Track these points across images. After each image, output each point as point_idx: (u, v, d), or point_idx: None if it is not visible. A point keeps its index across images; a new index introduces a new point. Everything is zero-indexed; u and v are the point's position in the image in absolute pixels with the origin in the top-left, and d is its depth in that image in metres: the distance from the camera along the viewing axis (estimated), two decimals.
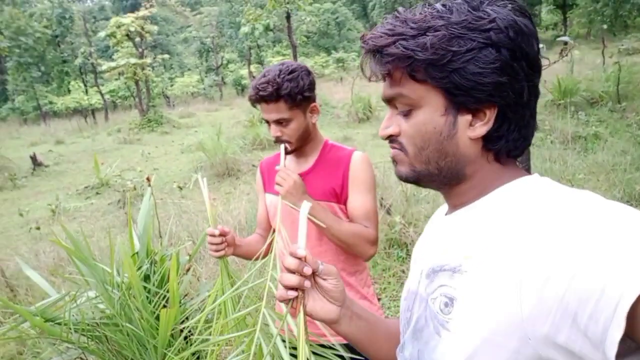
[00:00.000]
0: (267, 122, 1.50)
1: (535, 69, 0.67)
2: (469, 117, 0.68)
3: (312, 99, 1.52)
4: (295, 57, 15.57)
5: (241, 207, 5.42)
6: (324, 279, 0.80)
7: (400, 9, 0.70)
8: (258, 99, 1.45)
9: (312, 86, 1.50)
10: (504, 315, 0.58)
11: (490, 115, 0.67)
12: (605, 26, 14.89)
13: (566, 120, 7.33)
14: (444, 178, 0.72)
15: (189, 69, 38.60)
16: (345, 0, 47.33)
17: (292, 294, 0.77)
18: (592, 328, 0.49)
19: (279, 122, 1.47)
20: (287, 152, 1.53)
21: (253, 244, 1.68)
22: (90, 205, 7.74)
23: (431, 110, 0.68)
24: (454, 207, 0.76)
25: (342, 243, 1.46)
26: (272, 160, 1.70)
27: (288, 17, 15.02)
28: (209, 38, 32.99)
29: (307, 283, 0.77)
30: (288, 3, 14.67)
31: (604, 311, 0.48)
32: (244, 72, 29.15)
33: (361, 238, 1.45)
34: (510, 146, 0.69)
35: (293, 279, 0.77)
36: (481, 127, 0.68)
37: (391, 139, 0.74)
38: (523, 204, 0.64)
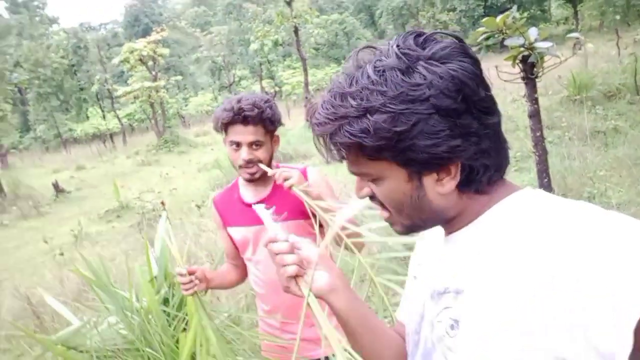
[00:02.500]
0: (237, 145, 1.52)
1: (487, 110, 0.64)
2: (434, 175, 0.66)
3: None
4: (305, 69, 15.68)
5: None
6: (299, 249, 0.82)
7: (336, 76, 0.68)
8: (239, 119, 1.48)
9: (281, 117, 1.59)
10: (510, 336, 0.57)
11: (455, 169, 0.65)
12: (618, 17, 14.63)
13: (583, 116, 7.18)
14: (433, 224, 0.73)
15: (202, 88, 39.22)
16: (352, 10, 47.65)
17: (293, 269, 0.78)
18: (601, 344, 0.49)
19: (252, 145, 1.51)
20: (253, 179, 1.56)
21: (226, 274, 1.75)
22: (112, 229, 7.86)
23: (394, 180, 0.67)
24: (447, 231, 0.74)
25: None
26: (225, 196, 1.73)
27: (296, 31, 15.17)
28: (220, 57, 33.52)
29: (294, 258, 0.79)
30: (295, 17, 14.83)
31: (613, 327, 0.48)
32: (256, 87, 29.47)
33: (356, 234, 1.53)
34: (486, 180, 0.67)
35: (290, 257, 0.79)
36: (450, 182, 0.65)
37: (371, 198, 0.73)
38: (520, 220, 0.63)
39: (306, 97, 15.75)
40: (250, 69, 36.94)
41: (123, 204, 8.99)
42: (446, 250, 0.75)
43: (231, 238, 1.70)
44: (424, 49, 0.63)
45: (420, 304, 0.79)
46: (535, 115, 3.73)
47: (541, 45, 3.14)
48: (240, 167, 1.53)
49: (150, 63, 18.54)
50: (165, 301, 2.44)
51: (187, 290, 1.46)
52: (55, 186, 11.77)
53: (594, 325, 0.50)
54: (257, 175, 1.54)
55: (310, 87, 16.61)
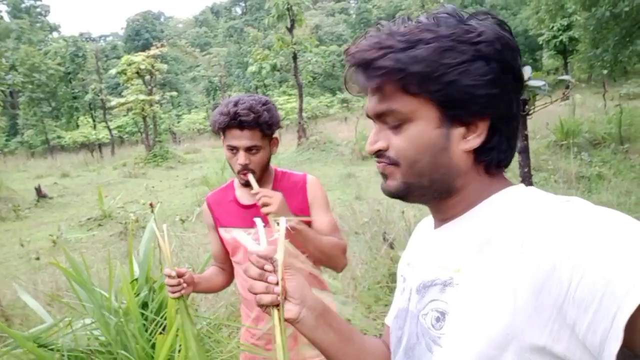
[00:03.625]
0: (233, 150, 1.51)
1: (520, 82, 0.68)
2: (462, 129, 0.66)
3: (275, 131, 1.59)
4: (301, 96, 15.87)
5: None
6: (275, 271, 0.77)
7: (384, 22, 0.69)
8: (235, 124, 1.47)
9: (279, 119, 1.57)
10: (499, 327, 0.57)
11: (483, 127, 0.66)
12: (605, 71, 15.16)
13: (569, 161, 7.35)
14: (434, 191, 0.70)
15: (196, 107, 39.32)
16: (350, 43, 48.62)
17: (267, 298, 0.74)
18: (590, 338, 0.49)
19: (249, 150, 1.50)
20: (247, 185, 1.54)
21: (212, 277, 1.72)
22: (92, 237, 7.71)
23: (424, 123, 0.66)
24: (441, 220, 0.74)
25: (324, 255, 1.48)
26: (219, 195, 1.71)
27: (295, 58, 15.42)
28: (217, 77, 33.81)
29: (271, 278, 0.75)
30: (295, 44, 15.10)
31: (602, 322, 0.47)
32: None
33: (340, 248, 1.54)
34: (500, 157, 0.69)
35: (259, 286, 0.75)
36: (474, 140, 0.66)
37: (379, 153, 0.71)
38: (512, 214, 0.63)
39: (299, 123, 15.89)
40: (245, 91, 37.14)
41: (106, 213, 8.84)
42: (437, 240, 0.74)
43: (222, 240, 1.67)
44: (475, 14, 0.68)
45: (405, 299, 0.78)
46: (524, 151, 3.80)
47: (534, 83, 3.23)
48: (238, 172, 1.52)
49: (147, 77, 18.60)
50: (144, 305, 2.39)
51: (173, 292, 1.42)
52: (38, 191, 11.56)
53: (583, 321, 0.49)
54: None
55: (304, 114, 16.78)
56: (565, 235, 0.53)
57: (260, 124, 1.48)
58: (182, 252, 5.29)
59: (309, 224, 1.58)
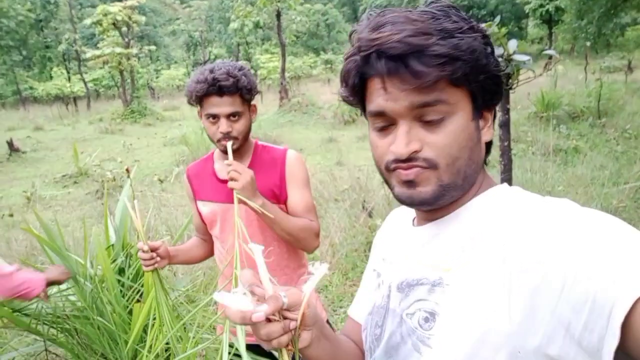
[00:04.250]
0: (214, 118, 1.46)
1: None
2: (482, 121, 0.68)
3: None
4: (284, 55, 15.52)
5: None
6: (292, 311, 0.62)
7: (389, 9, 0.64)
8: (214, 90, 1.42)
9: (257, 85, 1.52)
10: (491, 328, 0.56)
11: (491, 118, 0.68)
12: (588, 43, 15.19)
13: (548, 133, 7.44)
14: (462, 189, 0.66)
15: (176, 62, 38.19)
16: (336, 2, 47.44)
17: (284, 339, 0.61)
18: (587, 338, 0.48)
19: (230, 117, 1.46)
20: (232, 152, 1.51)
21: (193, 249, 1.71)
22: (67, 195, 7.57)
23: (464, 115, 0.63)
24: (428, 218, 0.72)
25: (291, 237, 1.47)
26: (198, 167, 1.67)
27: (278, 16, 14.98)
28: (198, 32, 32.72)
29: (292, 324, 0.61)
30: (279, 1, 14.63)
31: (598, 320, 0.47)
32: None
33: (309, 231, 1.51)
34: (490, 149, 0.71)
35: (277, 328, 0.60)
36: (489, 130, 0.68)
37: (411, 156, 0.63)
38: (503, 213, 0.63)
39: (281, 83, 15.61)
40: (227, 49, 36.20)
41: (82, 170, 8.65)
42: (421, 237, 0.72)
43: (200, 212, 1.66)
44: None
45: (382, 296, 0.76)
46: (505, 125, 3.82)
47: (519, 57, 3.21)
48: (219, 140, 1.48)
49: (124, 29, 17.85)
50: (121, 271, 2.37)
51: (147, 266, 1.41)
52: (10, 144, 11.20)
53: (578, 320, 0.49)
54: (234, 147, 1.49)
55: (286, 74, 16.47)
56: (558, 237, 0.54)
57: (240, 89, 1.44)
58: (160, 213, 5.25)
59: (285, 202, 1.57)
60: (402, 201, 0.67)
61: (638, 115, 8.94)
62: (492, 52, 0.65)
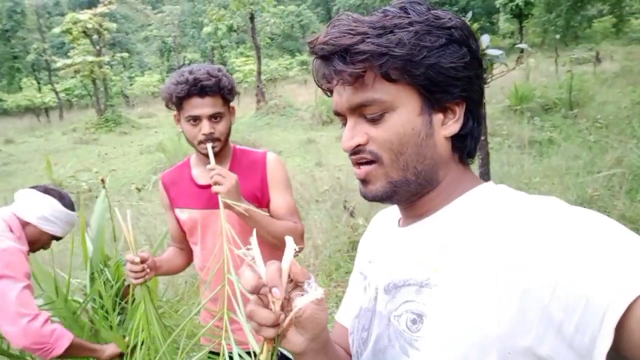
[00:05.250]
0: (195, 120, 1.43)
1: (482, 68, 0.68)
2: (440, 115, 0.66)
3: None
4: (259, 58, 15.46)
5: None
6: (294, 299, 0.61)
7: (347, 13, 0.66)
8: (195, 91, 1.39)
9: (236, 85, 1.51)
10: (481, 329, 0.56)
11: (460, 111, 0.66)
12: (557, 36, 15.55)
13: (523, 126, 7.57)
14: (419, 185, 0.67)
15: (150, 69, 37.67)
16: (310, 3, 47.50)
17: (270, 332, 0.59)
18: (578, 339, 0.48)
19: (212, 118, 1.43)
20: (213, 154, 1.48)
21: (172, 259, 1.67)
22: None
23: (407, 110, 0.64)
24: (412, 218, 0.71)
25: (276, 240, 1.45)
26: (174, 174, 1.64)
27: (252, 18, 14.91)
28: (171, 37, 32.33)
29: (283, 318, 0.59)
30: (252, 4, 14.56)
31: (591, 322, 0.47)
32: None
33: (294, 233, 1.49)
34: (472, 145, 0.69)
35: (269, 317, 0.58)
36: (454, 124, 0.66)
37: (357, 149, 0.66)
38: (491, 212, 0.62)
39: (258, 86, 15.53)
40: (201, 53, 35.86)
41: (56, 182, 8.44)
42: (405, 240, 0.71)
43: (178, 220, 1.61)
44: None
45: (369, 299, 0.75)
46: (481, 119, 3.87)
47: (492, 52, 3.25)
48: (200, 142, 1.44)
49: (94, 36, 17.53)
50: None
51: (137, 279, 1.37)
52: None
53: (570, 321, 0.48)
54: (215, 149, 1.46)
55: (262, 77, 16.39)
56: (549, 238, 0.53)
57: (222, 89, 1.42)
58: (139, 222, 5.16)
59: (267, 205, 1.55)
60: (364, 197, 0.70)
61: (608, 105, 9.18)
62: (448, 44, 0.63)
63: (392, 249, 0.74)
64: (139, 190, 7.04)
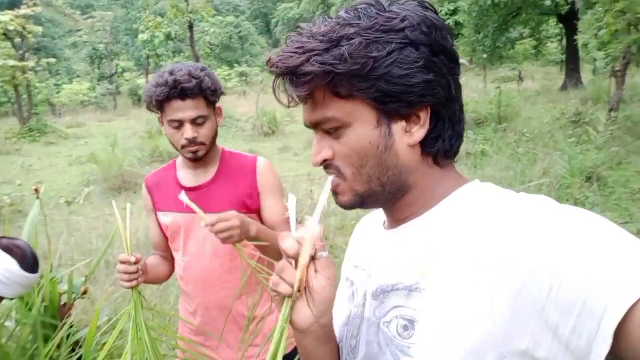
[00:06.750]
0: (177, 124, 1.36)
1: (455, 61, 0.65)
2: (403, 123, 0.63)
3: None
4: None
5: (140, 224, 5.05)
6: (316, 271, 0.61)
7: (303, 24, 0.65)
8: (176, 93, 1.31)
9: (221, 86, 1.44)
10: (476, 334, 0.54)
11: (425, 116, 0.63)
12: (485, 55, 16.55)
13: None
14: (388, 194, 0.66)
15: (79, 76, 35.71)
16: (249, 15, 47.41)
17: (287, 289, 0.60)
18: (574, 342, 0.48)
19: (195, 121, 1.36)
20: (197, 159, 1.42)
21: (157, 267, 1.57)
22: None
23: (362, 125, 0.62)
24: (398, 221, 0.70)
25: (276, 253, 1.38)
26: (159, 177, 1.57)
27: (191, 27, 14.62)
28: (103, 44, 30.92)
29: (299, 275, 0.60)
30: (191, 12, 14.30)
31: (587, 325, 0.46)
32: (142, 81, 27.68)
33: None
34: (447, 146, 0.66)
35: (292, 274, 0.60)
36: (419, 132, 0.64)
37: (326, 164, 0.66)
38: (480, 213, 0.61)
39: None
40: (135, 61, 34.58)
41: None
42: (393, 241, 0.70)
43: (161, 225, 1.51)
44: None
45: (358, 305, 0.73)
46: None
47: None
48: (183, 147, 1.36)
49: (17, 40, 16.39)
50: (30, 308, 2.11)
51: (130, 281, 1.24)
52: None
53: (567, 324, 0.48)
54: (200, 154, 1.39)
55: None
56: (541, 237, 0.52)
57: (204, 90, 1.34)
58: (71, 238, 4.83)
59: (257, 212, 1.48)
60: (339, 206, 0.71)
61: (532, 120, 9.85)
62: (402, 49, 0.59)
63: (379, 253, 0.72)
64: (69, 203, 6.60)
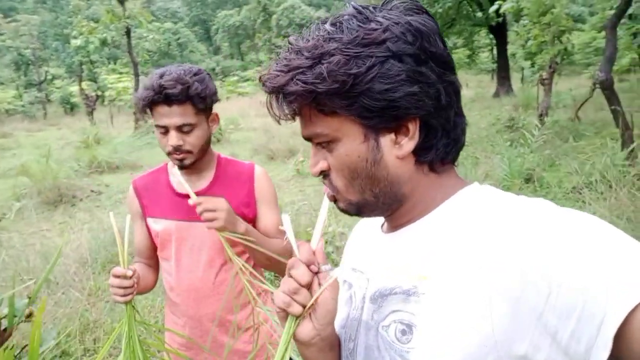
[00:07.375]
0: (164, 129, 1.31)
1: (446, 66, 0.63)
2: (391, 135, 0.62)
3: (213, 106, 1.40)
4: (137, 75, 14.64)
5: (82, 238, 4.76)
6: (319, 284, 0.63)
7: (292, 37, 0.64)
8: (160, 99, 1.26)
9: (215, 91, 1.37)
10: (475, 338, 0.54)
11: (414, 128, 0.62)
12: None
13: None
14: (383, 204, 0.67)
15: (3, 83, 33.35)
16: (187, 21, 46.44)
17: (298, 310, 0.62)
18: (574, 346, 0.48)
19: (181, 129, 1.30)
20: (184, 167, 1.36)
21: (145, 276, 1.48)
22: None
23: (350, 140, 0.63)
24: (396, 225, 0.70)
25: (268, 262, 1.36)
26: (149, 179, 1.50)
27: (128, 33, 14.10)
28: (29, 49, 29.08)
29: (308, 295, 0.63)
30: (127, 18, 13.79)
31: (587, 329, 0.47)
32: (74, 89, 26.26)
33: (287, 253, 1.40)
34: (441, 153, 0.65)
35: (305, 296, 0.62)
36: (408, 143, 0.62)
37: (324, 174, 0.68)
38: (477, 216, 0.60)
39: (136, 104, 14.64)
40: (67, 68, 32.83)
41: None
42: (392, 245, 0.69)
43: (150, 231, 1.43)
44: (383, 5, 0.64)
45: (356, 308, 0.72)
46: None
47: None
48: (169, 153, 1.31)
49: None
50: None
51: (125, 296, 1.17)
52: None
53: (565, 328, 0.48)
54: (186, 162, 1.32)
55: None
56: (540, 242, 0.52)
57: (191, 97, 1.27)
58: (4, 258, 4.46)
59: (252, 220, 1.44)
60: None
61: (470, 126, 10.26)
62: (383, 62, 0.58)
63: (377, 256, 0.72)
64: None
